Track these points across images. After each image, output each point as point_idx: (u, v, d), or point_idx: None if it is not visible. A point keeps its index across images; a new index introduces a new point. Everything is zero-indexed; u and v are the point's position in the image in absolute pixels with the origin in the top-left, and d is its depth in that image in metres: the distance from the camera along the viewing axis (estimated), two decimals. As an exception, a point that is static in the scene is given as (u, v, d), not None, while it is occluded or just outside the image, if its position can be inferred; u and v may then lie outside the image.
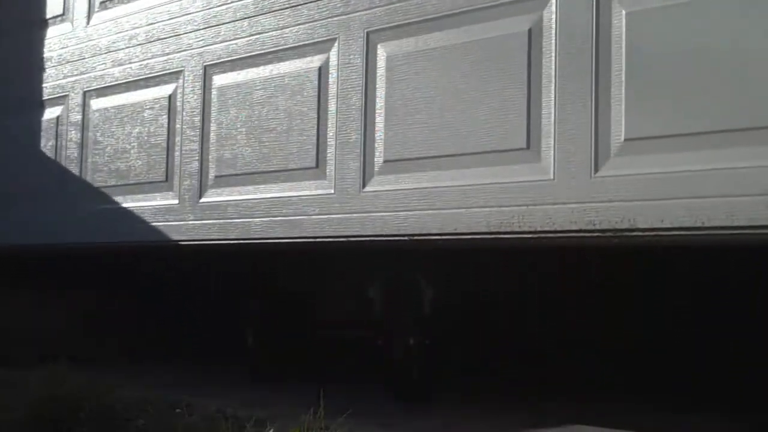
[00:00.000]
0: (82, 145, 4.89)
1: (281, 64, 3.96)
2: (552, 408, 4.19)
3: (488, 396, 4.53)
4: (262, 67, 4.04)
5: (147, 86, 4.57)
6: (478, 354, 5.57)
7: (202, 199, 4.23)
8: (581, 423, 3.68)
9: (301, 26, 3.89)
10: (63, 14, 5.13)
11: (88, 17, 4.95)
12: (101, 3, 4.89)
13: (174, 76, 4.42)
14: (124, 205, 4.60)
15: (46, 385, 3.77)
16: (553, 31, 3.11)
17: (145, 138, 4.54)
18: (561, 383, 5.10)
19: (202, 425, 3.42)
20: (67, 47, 5.06)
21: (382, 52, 3.61)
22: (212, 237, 4.17)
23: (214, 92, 4.23)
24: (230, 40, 4.17)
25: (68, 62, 5.04)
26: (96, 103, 4.85)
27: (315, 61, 3.83)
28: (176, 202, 4.35)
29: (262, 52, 4.03)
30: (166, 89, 4.45)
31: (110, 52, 4.78)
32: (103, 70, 4.82)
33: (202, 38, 4.30)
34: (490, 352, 5.72)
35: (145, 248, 4.59)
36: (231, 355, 5.30)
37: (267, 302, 4.93)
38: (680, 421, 3.81)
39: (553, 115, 3.09)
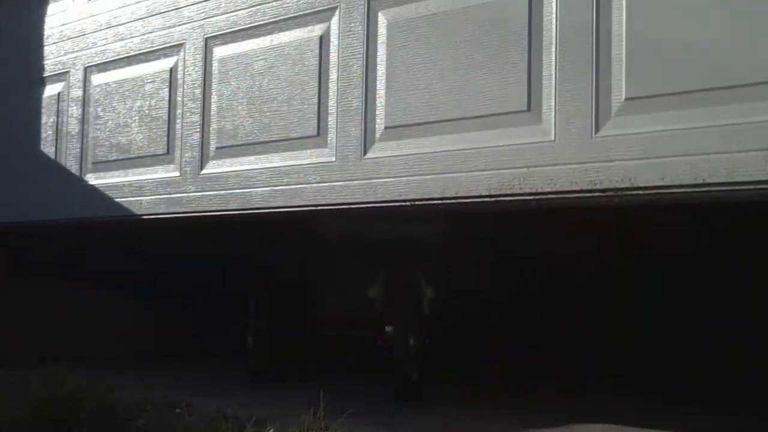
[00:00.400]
0: (83, 120, 4.90)
1: (282, 34, 3.97)
2: (553, 406, 4.19)
3: (489, 395, 4.53)
4: (262, 38, 4.05)
5: (148, 60, 4.57)
6: (478, 351, 5.59)
7: (204, 171, 4.24)
8: (583, 421, 3.69)
9: (302, -5, 3.90)
10: (64, -10, 5.15)
11: (90, -8, 4.97)
12: (102, -22, 4.90)
13: (175, 49, 4.43)
14: (125, 179, 4.61)
15: (46, 385, 3.78)
16: (554, -7, 3.12)
17: (146, 111, 4.54)
18: (562, 381, 5.11)
19: (202, 425, 3.43)
20: (68, 23, 5.07)
21: (383, 19, 3.61)
22: (213, 208, 4.17)
23: (215, 64, 4.24)
24: (231, 12, 4.18)
25: (69, 38, 5.05)
26: (97, 79, 4.86)
27: (316, 30, 3.84)
28: (177, 174, 4.36)
29: (263, 22, 4.04)
30: (168, 62, 4.46)
31: (111, 27, 4.78)
32: (104, 45, 4.82)
33: (202, 10, 4.30)
34: (490, 349, 5.75)
35: (144, 223, 4.59)
36: (231, 355, 5.30)
37: (266, 300, 4.93)
38: (682, 417, 3.80)
39: (553, 76, 3.10)
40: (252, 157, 4.04)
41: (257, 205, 3.98)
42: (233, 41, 4.16)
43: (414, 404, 4.11)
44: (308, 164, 3.81)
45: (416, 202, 3.46)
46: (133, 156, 4.60)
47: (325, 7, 3.80)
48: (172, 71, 4.43)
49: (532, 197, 3.13)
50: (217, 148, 4.20)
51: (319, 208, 3.77)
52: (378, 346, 4.24)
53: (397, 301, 4.20)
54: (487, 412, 3.95)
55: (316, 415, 3.10)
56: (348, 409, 3.17)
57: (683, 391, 4.78)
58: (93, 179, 4.81)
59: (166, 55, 4.48)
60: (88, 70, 4.91)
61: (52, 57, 5.15)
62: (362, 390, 4.45)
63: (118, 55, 4.74)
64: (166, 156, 4.43)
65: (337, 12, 3.76)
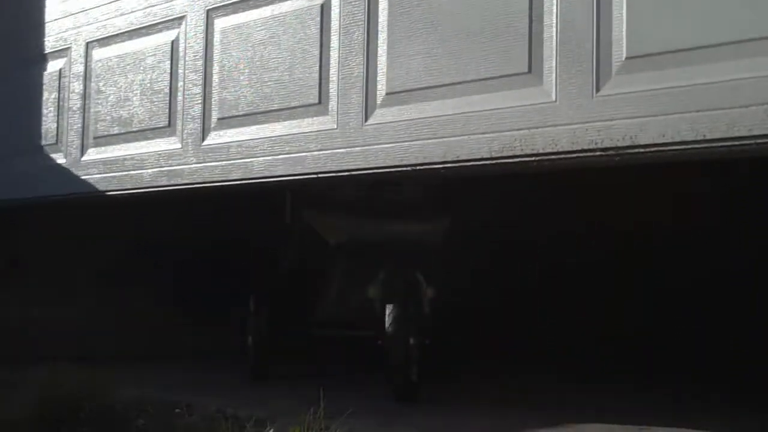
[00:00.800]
0: (84, 95, 4.91)
1: (283, 3, 3.98)
2: (553, 405, 4.20)
3: (490, 394, 4.54)
4: (263, 8, 4.05)
5: (149, 34, 4.58)
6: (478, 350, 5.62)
7: (205, 142, 4.25)
8: (583, 421, 3.69)
9: (303, -37, 3.90)
10: (64, -34, 5.16)
11: (90, -33, 4.98)
12: (103, -47, 4.91)
13: (176, 21, 4.44)
14: (126, 152, 4.62)
15: (46, 385, 3.78)
16: (555, -46, 3.13)
17: (148, 85, 4.55)
18: (563, 379, 5.12)
19: (202, 425, 3.44)
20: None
21: (384, -15, 3.62)
22: (214, 179, 4.19)
23: (216, 35, 4.24)
24: (233, -18, 4.19)
25: (71, 15, 5.06)
26: (98, 54, 4.87)
27: (318, -3, 3.85)
28: (179, 146, 4.37)
29: (265, -8, 4.06)
30: (169, 35, 4.47)
31: (112, 1, 4.79)
32: (106, 20, 4.83)
33: (204, -18, 4.32)
34: (490, 347, 5.77)
35: (145, 196, 4.61)
36: (231, 355, 5.31)
37: (266, 300, 4.94)
38: (683, 417, 3.80)
39: (554, 38, 3.10)
40: (254, 127, 4.04)
41: (258, 175, 3.99)
42: (234, 12, 4.17)
43: (414, 404, 4.10)
44: (309, 132, 3.82)
45: (418, 167, 3.47)
46: (134, 129, 4.61)
47: (327, -25, 3.81)
48: (174, 44, 4.44)
49: (533, 158, 3.14)
50: (218, 119, 4.21)
51: (320, 175, 3.78)
52: (378, 346, 4.24)
53: (397, 301, 4.20)
54: (487, 412, 3.96)
55: (316, 415, 3.09)
56: (348, 409, 3.17)
57: (684, 389, 4.79)
58: (94, 154, 4.82)
59: (167, 28, 4.49)
60: (89, 46, 4.92)
61: (54, 33, 5.17)
62: (362, 390, 4.47)
63: (119, 29, 4.75)
64: (167, 128, 4.44)
65: (338, -21, 3.77)
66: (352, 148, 3.66)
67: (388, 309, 4.18)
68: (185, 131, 4.34)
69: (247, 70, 4.09)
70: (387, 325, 4.17)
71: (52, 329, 5.51)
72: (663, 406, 4.25)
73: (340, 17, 3.74)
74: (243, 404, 3.83)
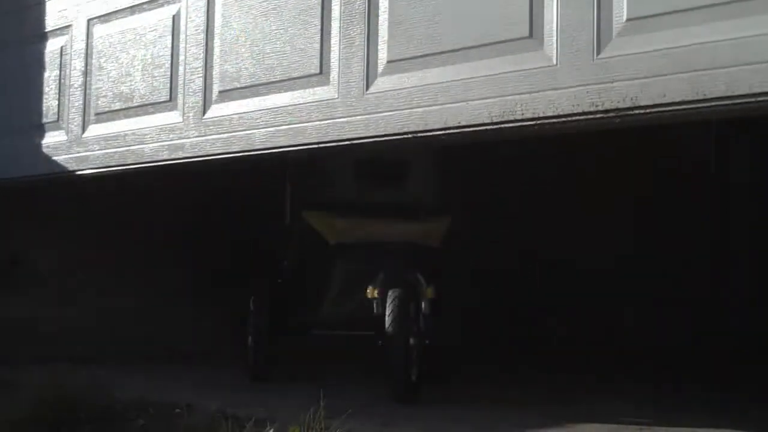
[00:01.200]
0: (85, 72, 4.92)
1: (285, -26, 3.99)
2: (554, 405, 4.22)
3: (490, 394, 4.55)
4: (265, -20, 4.06)
5: (151, 9, 4.58)
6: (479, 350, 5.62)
7: (206, 115, 4.25)
8: (583, 421, 3.71)
9: (304, -68, 3.90)
10: (65, -58, 5.16)
11: (92, -56, 4.98)
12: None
13: (178, -4, 4.45)
14: (127, 127, 4.63)
15: (46, 385, 3.80)
16: None
17: (149, 60, 4.55)
18: (563, 380, 5.12)
19: (202, 425, 3.45)
20: (69, -24, 5.10)
21: (386, -48, 3.62)
22: (215, 152, 4.19)
23: (218, 8, 4.24)
24: (234, -45, 4.19)
25: (71, -8, 5.08)
26: (99, 30, 4.87)
27: (319, -34, 3.85)
28: (180, 120, 4.37)
29: (266, -37, 4.05)
30: (171, 9, 4.47)
31: (114, -23, 4.81)
32: (107, -4, 4.85)
33: (206, -45, 4.32)
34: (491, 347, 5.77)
35: (148, 171, 4.62)
36: (231, 355, 5.33)
37: (266, 300, 4.95)
38: (682, 417, 3.82)
39: (555, 1, 3.10)
40: (255, 99, 4.05)
41: (260, 146, 4.00)
42: (236, -16, 4.18)
43: (414, 404, 4.12)
44: (311, 102, 3.83)
45: (418, 134, 3.47)
46: (135, 105, 4.62)
47: (328, -57, 3.81)
48: (175, 18, 4.44)
49: (533, 122, 3.14)
50: (220, 91, 4.22)
51: (321, 145, 3.79)
52: (378, 346, 4.25)
53: (397, 301, 4.20)
54: (487, 412, 3.98)
55: (316, 415, 3.11)
56: (348, 409, 3.19)
57: (684, 389, 4.80)
58: (96, 130, 4.83)
59: (168, 3, 4.49)
60: (90, 23, 4.93)
61: (55, 11, 5.17)
62: (362, 390, 4.49)
63: (121, 5, 4.75)
64: (168, 103, 4.45)
65: (340, -55, 3.77)
66: (354, 117, 3.67)
67: (388, 309, 4.18)
68: (186, 105, 4.35)
69: (248, 42, 4.09)
70: (387, 325, 4.17)
71: (52, 329, 5.49)
72: (663, 406, 4.27)
73: (341, -14, 3.75)
74: (243, 404, 3.84)
